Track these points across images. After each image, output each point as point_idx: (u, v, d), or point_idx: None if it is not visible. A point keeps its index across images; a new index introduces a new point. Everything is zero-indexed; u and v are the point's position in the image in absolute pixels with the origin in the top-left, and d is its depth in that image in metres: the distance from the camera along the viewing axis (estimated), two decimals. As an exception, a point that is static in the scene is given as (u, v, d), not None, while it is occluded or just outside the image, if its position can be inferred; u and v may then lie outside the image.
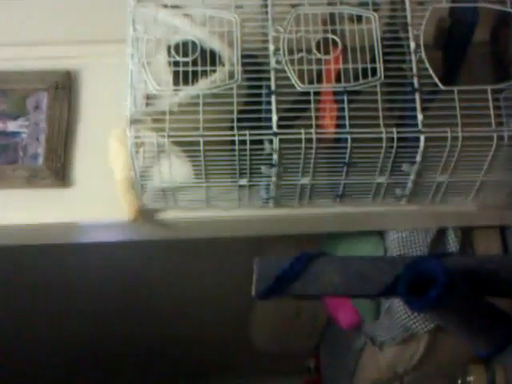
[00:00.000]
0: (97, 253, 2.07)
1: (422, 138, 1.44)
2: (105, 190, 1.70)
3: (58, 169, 1.73)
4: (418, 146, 1.46)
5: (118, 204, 1.69)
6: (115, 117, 1.54)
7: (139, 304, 2.77)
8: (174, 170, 1.53)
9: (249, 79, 1.48)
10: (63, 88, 1.80)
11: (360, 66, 1.46)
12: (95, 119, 1.77)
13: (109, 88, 1.69)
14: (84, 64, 1.83)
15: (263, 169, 1.52)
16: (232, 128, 1.45)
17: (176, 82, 1.49)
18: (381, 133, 1.44)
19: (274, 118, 1.44)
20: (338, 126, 1.48)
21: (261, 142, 1.46)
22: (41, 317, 2.72)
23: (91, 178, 1.73)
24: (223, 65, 1.50)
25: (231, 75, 1.46)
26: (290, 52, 1.46)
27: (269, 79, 1.47)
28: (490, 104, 1.45)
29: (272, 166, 1.50)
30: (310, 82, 1.46)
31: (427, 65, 1.46)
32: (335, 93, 1.50)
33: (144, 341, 2.94)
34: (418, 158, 1.49)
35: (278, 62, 1.47)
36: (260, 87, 1.49)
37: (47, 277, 2.56)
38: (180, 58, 1.47)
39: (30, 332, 2.81)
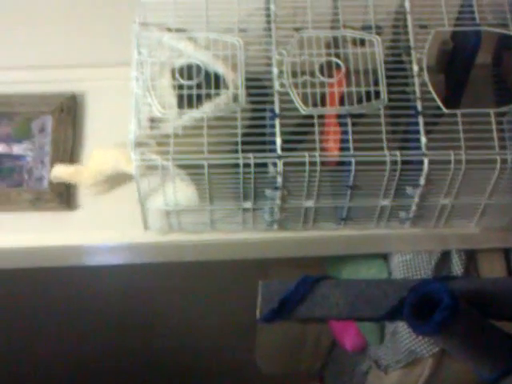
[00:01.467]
0: (101, 275, 2.07)
1: (426, 160, 1.45)
2: (109, 213, 1.72)
3: (62, 192, 1.73)
4: (421, 169, 1.46)
5: (122, 226, 1.70)
6: (119, 139, 1.55)
7: (143, 325, 2.76)
8: (179, 193, 1.53)
9: (253, 102, 1.48)
10: (68, 111, 1.81)
11: (363, 89, 1.47)
12: (100, 142, 1.77)
13: (113, 111, 1.69)
14: (89, 87, 1.84)
15: (267, 192, 1.53)
16: (236, 151, 1.45)
17: (180, 106, 1.50)
18: (384, 156, 1.44)
19: (278, 141, 1.44)
20: (341, 149, 1.48)
21: (265, 165, 1.46)
22: (45, 338, 2.72)
23: (96, 201, 1.74)
24: (227, 88, 1.50)
25: (235, 98, 1.47)
26: (294, 75, 1.47)
27: (272, 102, 1.47)
28: (494, 127, 1.45)
29: (276, 189, 1.50)
30: (314, 105, 1.47)
31: (430, 88, 1.46)
32: (339, 116, 1.50)
33: (146, 361, 2.93)
34: (422, 181, 1.49)
35: (281, 85, 1.47)
36: (264, 110, 1.50)
37: (52, 299, 2.55)
38: (184, 82, 1.47)
39: (33, 352, 2.81)
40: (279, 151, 1.44)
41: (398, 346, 1.90)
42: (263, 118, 1.50)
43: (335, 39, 1.52)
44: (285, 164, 1.44)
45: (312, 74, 1.47)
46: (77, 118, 1.82)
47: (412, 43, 1.51)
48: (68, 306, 2.59)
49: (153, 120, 1.50)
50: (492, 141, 1.45)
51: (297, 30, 1.52)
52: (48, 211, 1.74)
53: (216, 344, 2.82)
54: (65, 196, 1.74)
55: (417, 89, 1.48)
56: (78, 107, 1.83)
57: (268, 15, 1.55)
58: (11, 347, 2.65)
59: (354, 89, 1.47)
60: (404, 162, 1.45)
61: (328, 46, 1.52)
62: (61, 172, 1.70)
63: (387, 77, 1.47)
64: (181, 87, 1.48)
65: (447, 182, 1.50)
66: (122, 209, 1.69)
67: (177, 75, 1.48)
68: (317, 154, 1.45)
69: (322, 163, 1.45)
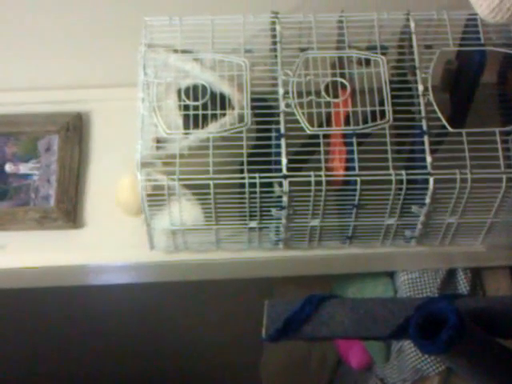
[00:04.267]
0: (107, 294, 2.07)
1: (431, 179, 1.45)
2: (116, 231, 1.72)
3: (69, 210, 1.74)
4: (427, 188, 1.46)
5: (128, 246, 1.70)
6: (126, 159, 1.56)
7: (149, 344, 2.76)
8: (185, 212, 1.53)
9: (258, 122, 1.49)
10: (74, 130, 1.82)
11: (369, 108, 1.47)
12: (106, 161, 1.78)
13: (119, 130, 1.70)
14: (95, 107, 1.85)
15: (273, 211, 1.53)
16: (242, 171, 1.45)
17: (186, 126, 1.50)
18: (390, 175, 1.44)
19: (284, 160, 1.45)
20: (347, 168, 1.49)
21: (271, 184, 1.47)
22: (51, 357, 2.72)
23: (102, 220, 1.74)
24: (233, 108, 1.51)
25: (241, 118, 1.47)
26: (299, 95, 1.47)
27: (278, 122, 1.48)
28: (499, 146, 1.45)
29: (282, 208, 1.51)
30: (320, 125, 1.47)
31: (435, 107, 1.46)
32: (344, 135, 1.51)
33: (151, 380, 2.93)
34: (428, 200, 1.49)
35: (287, 106, 1.48)
36: (269, 130, 1.50)
37: (57, 318, 2.55)
38: (190, 102, 1.48)
39: (38, 371, 2.80)
40: (285, 171, 1.45)
41: (404, 364, 1.89)
42: (269, 138, 1.51)
43: (340, 59, 1.53)
44: (290, 183, 1.45)
45: (317, 94, 1.47)
46: (83, 137, 1.83)
47: (417, 63, 1.52)
48: (74, 324, 2.59)
49: (159, 140, 1.50)
50: (497, 160, 1.45)
51: (302, 50, 1.53)
52: (54, 230, 1.74)
53: (221, 362, 2.81)
54: (71, 214, 1.74)
55: (422, 108, 1.48)
56: (84, 126, 1.84)
57: (273, 36, 1.56)
58: (16, 366, 2.65)
59: (359, 108, 1.48)
60: (409, 181, 1.46)
61: (333, 66, 1.53)
62: None
63: (392, 96, 1.47)
64: (187, 108, 1.48)
65: (453, 200, 1.50)
66: (128, 228, 1.70)
67: (183, 96, 1.49)
68: (322, 173, 1.45)
69: (328, 183, 1.46)
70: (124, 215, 1.72)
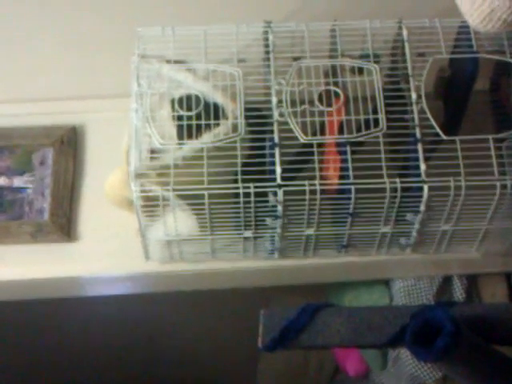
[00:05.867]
0: (103, 306, 2.07)
1: (426, 187, 1.45)
2: (110, 244, 1.72)
3: (63, 224, 1.74)
4: (421, 196, 1.46)
5: (124, 257, 1.70)
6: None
7: (144, 355, 2.76)
8: (179, 223, 1.53)
9: (252, 132, 1.49)
10: (68, 143, 1.81)
11: (362, 117, 1.47)
12: (100, 174, 1.77)
13: (113, 142, 1.69)
14: (89, 119, 1.85)
15: (268, 221, 1.53)
16: (236, 181, 1.45)
17: (180, 136, 1.50)
18: (384, 183, 1.45)
19: (278, 170, 1.45)
20: (341, 177, 1.49)
21: (265, 194, 1.47)
22: (47, 370, 2.71)
23: (97, 233, 1.74)
24: (226, 118, 1.51)
25: (235, 128, 1.47)
26: (293, 104, 1.47)
27: (272, 131, 1.48)
28: (493, 153, 1.46)
29: (277, 217, 1.51)
30: (313, 133, 1.47)
31: (429, 115, 1.47)
32: (338, 144, 1.51)
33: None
34: (422, 208, 1.49)
35: (280, 115, 1.48)
36: (263, 140, 1.50)
37: (53, 330, 2.55)
38: (184, 112, 1.48)
39: (33, 382, 2.80)
40: (279, 180, 1.45)
41: (401, 371, 1.89)
42: (263, 148, 1.51)
43: (333, 68, 1.53)
44: (285, 193, 1.45)
45: (311, 103, 1.47)
46: (77, 150, 1.83)
47: (410, 71, 1.52)
48: (69, 336, 2.58)
49: (153, 151, 1.50)
50: (491, 167, 1.45)
51: (295, 59, 1.53)
52: (49, 243, 1.74)
53: (218, 372, 2.81)
54: (66, 228, 1.74)
55: (415, 116, 1.48)
56: (78, 139, 1.84)
57: (266, 45, 1.56)
58: (12, 379, 2.64)
59: (352, 117, 1.48)
60: (404, 189, 1.46)
61: (326, 75, 1.53)
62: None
63: (386, 105, 1.47)
64: (180, 118, 1.48)
65: (447, 208, 1.50)
66: (123, 239, 1.70)
67: (176, 106, 1.49)
68: (317, 182, 1.45)
69: (322, 191, 1.46)
70: (118, 227, 1.72)
